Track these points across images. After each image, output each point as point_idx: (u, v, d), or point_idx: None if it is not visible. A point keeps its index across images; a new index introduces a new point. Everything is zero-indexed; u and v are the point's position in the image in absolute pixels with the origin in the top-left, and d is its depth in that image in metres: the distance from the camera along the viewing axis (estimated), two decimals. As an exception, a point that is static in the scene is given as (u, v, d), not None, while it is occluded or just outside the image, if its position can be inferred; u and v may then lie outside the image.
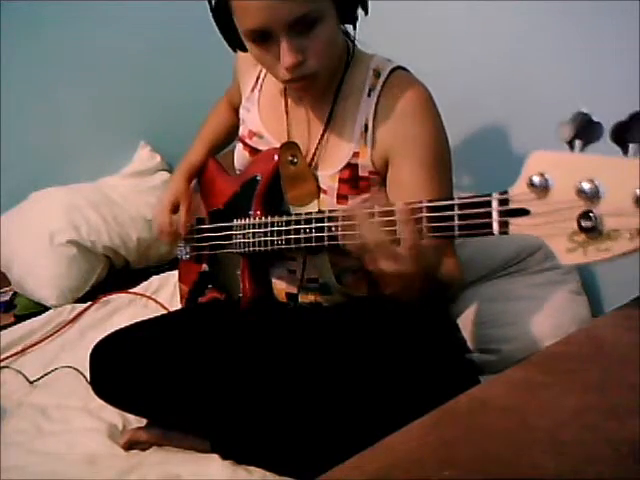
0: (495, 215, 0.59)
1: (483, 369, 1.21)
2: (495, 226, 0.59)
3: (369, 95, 0.93)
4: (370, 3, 0.90)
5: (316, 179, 0.98)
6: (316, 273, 1.03)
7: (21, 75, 1.79)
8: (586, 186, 0.50)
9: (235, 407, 1.04)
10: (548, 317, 1.21)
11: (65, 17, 1.81)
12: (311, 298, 1.07)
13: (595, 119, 0.52)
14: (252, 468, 1.05)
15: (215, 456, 1.07)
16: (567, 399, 0.53)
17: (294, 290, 1.07)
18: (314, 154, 0.98)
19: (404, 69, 0.96)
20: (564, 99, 1.26)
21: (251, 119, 1.08)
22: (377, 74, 0.93)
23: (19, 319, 1.67)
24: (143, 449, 1.16)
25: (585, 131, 0.52)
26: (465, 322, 1.25)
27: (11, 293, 1.80)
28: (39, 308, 1.70)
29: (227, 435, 1.07)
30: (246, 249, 1.03)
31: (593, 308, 1.27)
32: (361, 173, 0.95)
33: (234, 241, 1.06)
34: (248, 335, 1.12)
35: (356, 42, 0.97)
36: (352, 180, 0.96)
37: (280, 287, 1.09)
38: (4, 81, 1.76)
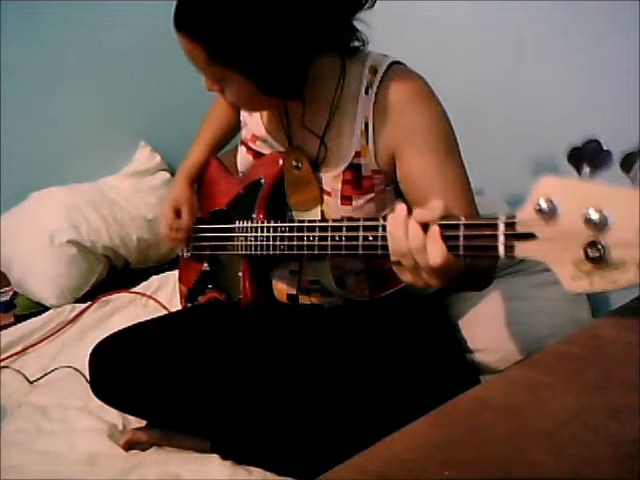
0: (501, 238, 0.58)
1: (483, 369, 1.21)
2: (501, 249, 0.58)
3: (366, 93, 0.92)
4: (371, 10, 0.90)
5: (319, 181, 0.98)
6: (317, 275, 1.03)
7: (21, 75, 1.79)
8: (594, 215, 0.50)
9: (235, 407, 1.04)
10: (548, 317, 1.21)
11: (65, 17, 1.81)
12: (312, 300, 1.07)
13: (605, 147, 0.52)
14: (252, 468, 1.05)
15: (215, 456, 1.07)
16: (567, 399, 0.53)
17: (295, 291, 1.07)
18: (316, 157, 0.98)
19: (401, 64, 0.95)
20: (568, 105, 1.27)
21: (254, 123, 1.08)
22: (374, 71, 0.92)
23: (19, 319, 1.67)
24: (143, 449, 1.17)
25: (594, 158, 0.52)
26: (465, 322, 1.25)
27: (11, 293, 1.80)
28: (39, 308, 1.70)
29: (227, 435, 1.07)
30: (248, 252, 1.03)
31: (593, 308, 1.27)
32: (364, 173, 0.95)
33: (235, 243, 1.06)
34: (248, 336, 1.12)
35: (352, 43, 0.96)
36: (355, 180, 0.95)
37: (281, 288, 1.08)
38: (4, 81, 1.76)
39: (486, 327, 1.23)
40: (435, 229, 0.63)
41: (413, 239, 0.64)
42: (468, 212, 0.85)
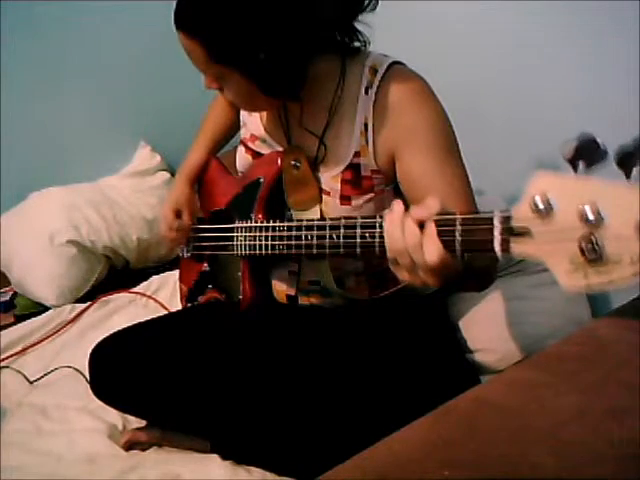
0: (497, 234, 0.58)
1: (483, 369, 1.21)
2: (497, 245, 0.58)
3: (366, 93, 0.92)
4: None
5: (318, 181, 0.98)
6: (317, 276, 1.03)
7: (21, 75, 1.79)
8: (589, 211, 0.50)
9: (235, 407, 1.04)
10: (548, 317, 1.21)
11: (65, 17, 1.81)
12: (311, 300, 1.07)
13: (600, 142, 0.52)
14: (252, 468, 1.05)
15: (215, 456, 1.08)
16: (567, 399, 0.53)
17: (294, 292, 1.07)
18: (315, 156, 0.98)
19: (401, 64, 0.95)
20: (569, 105, 1.27)
21: (253, 123, 1.08)
22: (374, 71, 0.92)
23: (19, 319, 1.67)
24: (143, 449, 1.17)
25: (589, 153, 0.52)
26: (465, 322, 1.25)
27: (11, 293, 1.80)
28: (39, 308, 1.70)
29: (227, 435, 1.07)
30: (247, 252, 1.03)
31: (593, 308, 1.27)
32: (363, 173, 0.95)
33: (235, 243, 1.06)
34: (248, 336, 1.12)
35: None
36: (355, 180, 0.95)
37: (280, 288, 1.08)
38: (4, 81, 1.76)
39: (486, 327, 1.23)
40: (431, 227, 0.63)
41: (409, 237, 0.64)
42: (468, 211, 0.85)
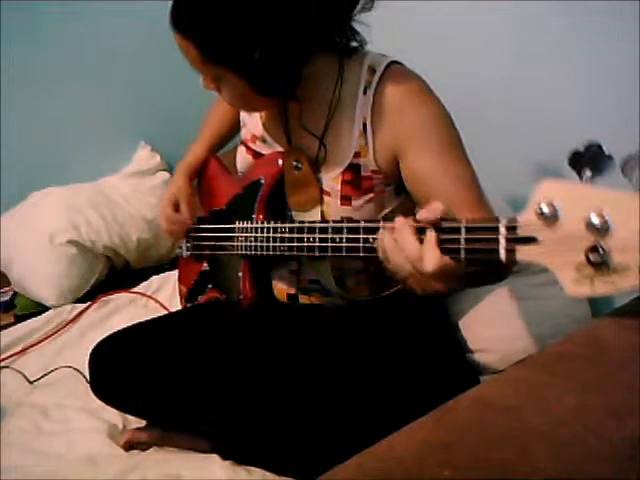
0: (502, 241, 0.58)
1: (483, 369, 1.21)
2: (502, 252, 0.58)
3: (365, 93, 0.92)
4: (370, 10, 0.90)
5: (319, 182, 0.98)
6: (317, 275, 1.03)
7: (21, 75, 1.79)
8: (595, 219, 0.50)
9: (235, 407, 1.04)
10: (548, 317, 1.21)
11: (65, 17, 1.81)
12: (312, 299, 1.07)
13: (606, 149, 0.52)
14: (252, 468, 1.05)
15: (215, 456, 1.08)
16: (567, 399, 0.53)
17: (295, 291, 1.07)
18: (315, 157, 0.98)
19: (399, 63, 0.94)
20: (570, 107, 1.27)
21: (253, 123, 1.08)
22: (372, 71, 0.92)
23: (19, 319, 1.67)
24: (143, 449, 1.16)
25: (595, 161, 0.52)
26: (465, 322, 1.25)
27: (11, 293, 1.80)
28: (39, 308, 1.70)
29: (227, 435, 1.07)
30: (247, 252, 1.03)
31: (593, 308, 1.27)
32: (363, 173, 0.95)
33: (235, 243, 1.06)
34: (248, 336, 1.12)
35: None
36: (354, 181, 0.95)
37: (281, 287, 1.08)
38: (4, 81, 1.76)
39: (486, 327, 1.23)
40: (432, 235, 0.63)
41: (409, 249, 0.65)
42: (476, 207, 0.86)
